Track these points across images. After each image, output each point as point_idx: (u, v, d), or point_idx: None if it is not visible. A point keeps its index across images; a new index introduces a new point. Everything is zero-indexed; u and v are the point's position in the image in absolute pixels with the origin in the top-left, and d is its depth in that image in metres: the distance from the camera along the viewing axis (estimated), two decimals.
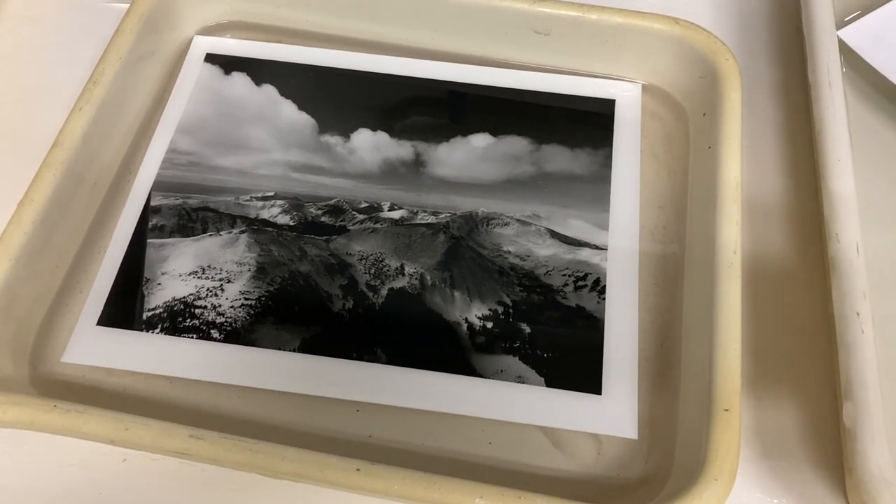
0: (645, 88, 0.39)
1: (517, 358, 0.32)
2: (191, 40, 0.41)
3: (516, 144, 0.37)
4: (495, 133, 0.38)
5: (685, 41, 0.37)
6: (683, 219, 0.35)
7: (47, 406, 0.28)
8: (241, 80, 0.39)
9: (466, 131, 0.38)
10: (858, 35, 0.37)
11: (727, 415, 0.28)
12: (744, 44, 0.42)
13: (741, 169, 0.33)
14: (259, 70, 0.40)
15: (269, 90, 0.39)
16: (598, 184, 0.36)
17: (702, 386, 0.29)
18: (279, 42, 0.41)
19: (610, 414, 0.31)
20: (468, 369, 0.31)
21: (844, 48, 0.37)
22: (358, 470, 0.27)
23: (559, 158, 0.37)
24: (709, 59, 0.36)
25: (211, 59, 0.40)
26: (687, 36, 0.37)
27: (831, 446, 0.31)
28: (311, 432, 0.31)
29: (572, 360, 0.32)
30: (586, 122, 0.38)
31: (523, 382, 0.31)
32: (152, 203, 0.35)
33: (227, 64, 0.40)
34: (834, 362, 0.30)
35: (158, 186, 0.36)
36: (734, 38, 0.42)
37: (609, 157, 0.37)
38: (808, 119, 0.37)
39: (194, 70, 0.39)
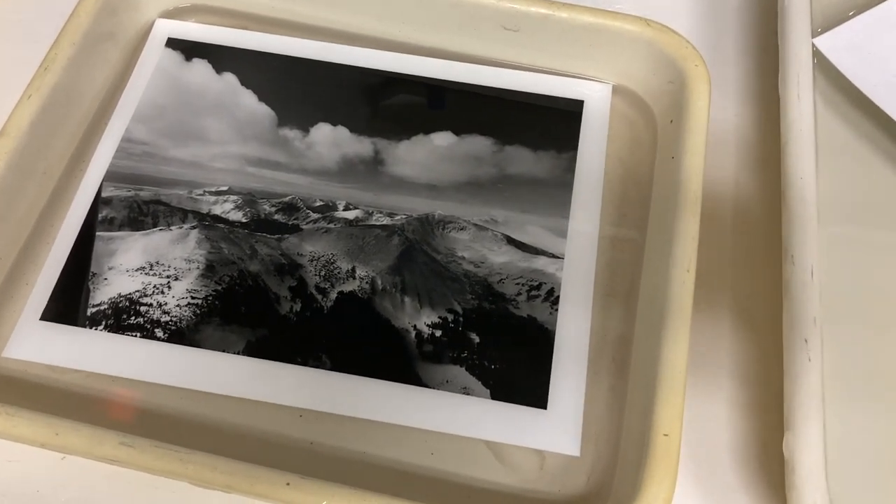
0: (615, 89, 0.38)
1: (464, 368, 0.31)
2: (152, 24, 0.40)
3: (479, 145, 0.37)
4: (458, 132, 0.37)
5: (655, 44, 0.36)
6: (644, 229, 0.35)
7: None
8: (201, 68, 0.38)
9: (429, 129, 0.37)
10: (835, 44, 0.36)
11: (666, 440, 0.27)
12: (719, 48, 0.41)
13: (701, 183, 0.32)
14: (221, 57, 0.39)
15: (230, 79, 0.38)
16: (559, 189, 0.35)
17: (645, 406, 0.29)
18: (244, 28, 0.40)
19: (554, 429, 0.30)
20: (413, 378, 0.31)
21: (820, 58, 0.36)
22: (288, 484, 0.27)
23: (522, 161, 0.36)
24: (678, 65, 0.35)
25: (172, 44, 0.39)
26: (657, 39, 0.36)
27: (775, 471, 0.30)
28: (252, 436, 0.31)
29: (520, 373, 0.31)
30: (553, 124, 0.37)
31: (468, 394, 0.31)
32: (103, 194, 0.35)
33: (189, 50, 0.39)
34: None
35: (111, 177, 0.35)
36: (710, 41, 0.41)
37: (573, 160, 0.36)
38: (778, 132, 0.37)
39: (154, 56, 0.39)
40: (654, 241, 0.33)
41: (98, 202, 0.35)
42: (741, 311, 0.34)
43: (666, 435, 0.27)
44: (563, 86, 0.38)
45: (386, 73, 0.38)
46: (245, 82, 0.38)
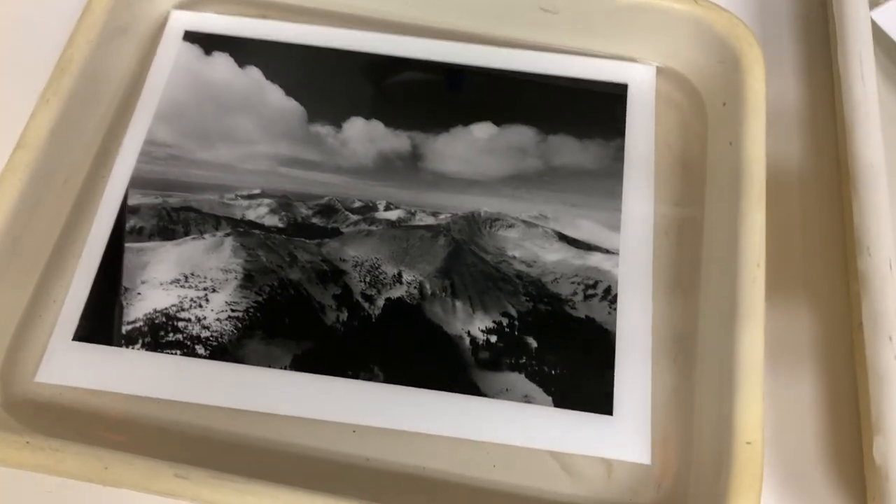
0: (659, 71, 0.36)
1: (523, 375, 0.30)
2: (167, 15, 0.37)
3: (521, 135, 0.35)
4: (499, 122, 0.35)
5: (704, 22, 0.34)
6: (700, 218, 0.33)
7: (19, 442, 0.26)
8: (223, 62, 0.36)
9: (468, 120, 0.35)
10: (894, 17, 0.34)
11: (750, 448, 0.26)
12: (763, 22, 0.39)
13: (765, 172, 0.30)
14: (243, 50, 0.36)
15: (254, 73, 0.36)
16: (609, 179, 0.34)
17: (721, 411, 0.27)
18: (264, 17, 0.38)
19: (622, 437, 0.29)
20: (471, 388, 0.30)
21: (877, 32, 0.34)
22: None
23: (567, 151, 0.34)
24: (730, 44, 0.33)
25: (190, 37, 0.37)
26: (706, 17, 0.34)
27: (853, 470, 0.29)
28: (304, 455, 0.29)
29: (582, 378, 0.30)
30: (596, 110, 0.35)
31: (530, 402, 0.29)
32: (130, 202, 0.33)
33: (208, 43, 0.37)
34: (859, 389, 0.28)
35: (136, 183, 0.33)
36: (753, 14, 0.39)
37: (621, 148, 0.34)
38: (833, 111, 0.35)
39: (172, 50, 0.36)
40: (714, 232, 0.32)
41: (125, 211, 0.33)
42: (812, 303, 0.32)
43: (749, 443, 0.26)
44: (605, 69, 0.36)
45: (419, 62, 0.36)
46: (270, 76, 0.36)
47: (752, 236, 0.29)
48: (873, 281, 0.28)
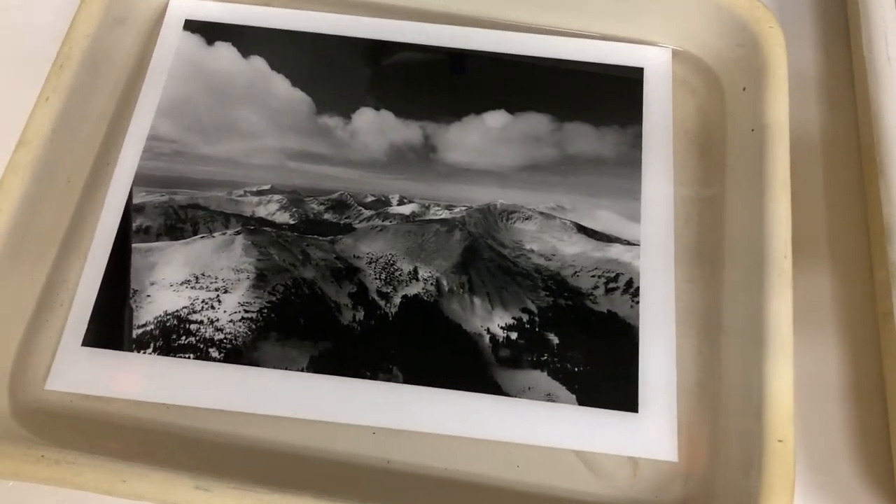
0: (675, 54, 0.35)
1: (545, 373, 0.29)
2: (167, 4, 0.36)
3: (536, 123, 0.34)
4: (512, 110, 0.34)
5: (723, 4, 0.33)
6: (722, 205, 0.32)
7: (33, 456, 0.25)
8: (226, 52, 0.35)
9: (480, 108, 0.34)
10: None
11: (781, 447, 0.25)
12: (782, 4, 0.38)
13: (789, 161, 0.30)
14: (245, 39, 0.35)
15: (259, 63, 0.35)
16: (627, 168, 0.33)
17: (748, 407, 0.27)
18: (267, 4, 0.36)
19: (648, 434, 0.28)
20: (492, 387, 0.29)
21: None
22: None
23: (584, 139, 0.34)
24: (750, 27, 0.33)
25: (191, 26, 0.35)
26: None
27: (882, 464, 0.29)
28: (323, 458, 0.28)
29: (605, 375, 0.29)
30: (612, 95, 0.34)
31: (553, 401, 0.29)
32: (135, 200, 0.32)
33: (210, 32, 0.35)
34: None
35: (140, 180, 0.32)
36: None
37: (638, 135, 0.33)
38: (853, 95, 0.34)
39: (172, 40, 0.35)
40: (737, 221, 0.31)
41: (130, 210, 0.32)
42: (837, 295, 0.32)
43: (781, 441, 0.26)
44: (620, 52, 0.35)
45: (428, 48, 0.35)
46: (275, 66, 0.35)
47: (779, 227, 0.29)
48: None
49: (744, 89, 0.33)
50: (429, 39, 0.35)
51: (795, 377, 0.29)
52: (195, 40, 0.35)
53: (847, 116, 0.35)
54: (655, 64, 0.35)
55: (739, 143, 0.32)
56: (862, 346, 0.31)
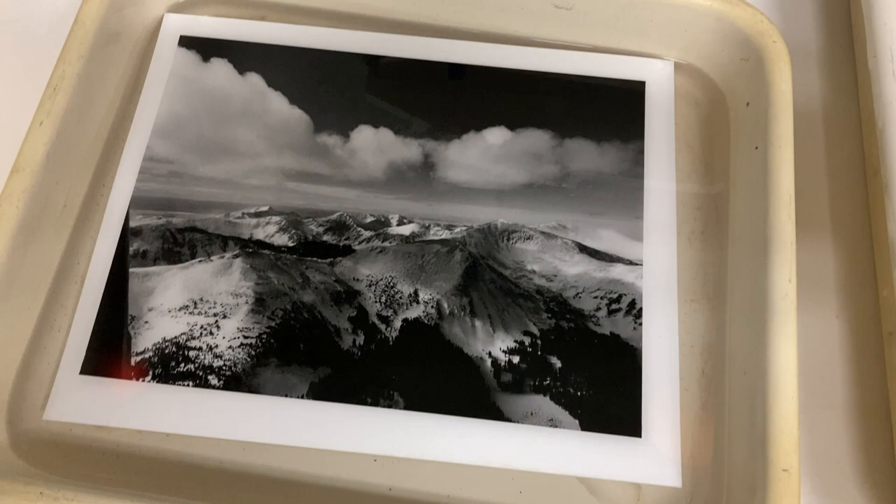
0: (678, 67, 0.35)
1: (548, 398, 0.29)
2: (161, 19, 0.35)
3: (536, 139, 0.33)
4: (512, 126, 0.34)
5: (726, 18, 0.33)
6: (725, 222, 0.32)
7: (32, 493, 0.25)
8: (221, 69, 0.34)
9: (480, 125, 0.34)
10: None
11: (786, 476, 0.25)
12: (784, 14, 0.37)
13: (793, 179, 0.29)
14: (242, 55, 0.35)
15: (255, 80, 0.34)
16: (629, 185, 0.32)
17: (753, 434, 0.27)
18: (263, 19, 0.36)
19: (651, 460, 0.28)
20: (494, 412, 0.29)
21: None
22: None
23: (585, 155, 0.33)
24: (753, 41, 0.32)
25: (186, 42, 0.35)
26: (728, 12, 0.33)
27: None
28: (325, 486, 0.28)
29: (609, 399, 0.29)
30: (614, 110, 0.34)
31: (556, 426, 0.28)
32: (131, 224, 0.31)
33: (206, 48, 0.35)
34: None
35: (137, 203, 0.32)
36: (775, 6, 0.37)
37: (640, 151, 0.33)
38: (858, 110, 0.34)
39: (167, 57, 0.35)
40: (741, 240, 0.31)
41: (127, 233, 0.31)
42: (842, 315, 0.31)
43: (785, 470, 0.25)
44: (621, 65, 0.35)
45: (427, 62, 0.35)
46: (272, 83, 0.34)
47: (784, 249, 0.28)
48: None
49: (747, 104, 0.32)
50: (429, 54, 0.35)
51: (800, 396, 0.28)
52: (191, 57, 0.35)
53: (851, 131, 0.34)
54: (658, 77, 0.35)
55: (743, 159, 0.32)
56: (867, 367, 0.31)
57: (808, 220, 0.33)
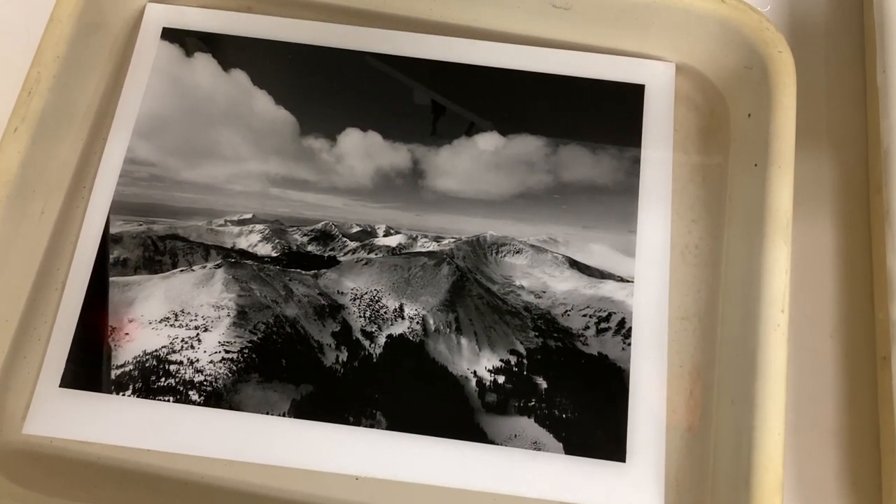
0: (678, 69, 0.34)
1: (532, 419, 0.28)
2: (143, 10, 0.34)
3: (529, 146, 0.32)
4: (505, 132, 0.32)
5: (730, 23, 0.31)
6: (720, 238, 0.31)
7: None
8: (205, 64, 0.33)
9: (472, 130, 0.33)
10: None
11: None
12: (792, 23, 0.36)
13: (792, 202, 0.28)
14: (227, 50, 0.33)
15: (240, 77, 0.33)
16: (624, 197, 0.31)
17: (738, 468, 0.26)
18: (250, 11, 0.34)
19: (635, 485, 0.28)
20: (478, 434, 0.28)
21: None
22: None
23: (579, 164, 0.32)
24: (758, 50, 0.31)
25: (169, 35, 0.34)
26: (734, 17, 0.31)
27: None
28: (307, 502, 0.28)
29: (594, 422, 0.28)
30: (611, 115, 0.33)
31: (539, 450, 0.28)
32: (112, 230, 0.31)
33: (189, 42, 0.34)
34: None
35: (118, 208, 0.31)
36: (783, 14, 0.36)
37: (636, 161, 0.32)
38: (865, 127, 0.33)
39: (149, 51, 0.33)
40: (734, 260, 0.30)
41: (107, 240, 0.31)
42: (835, 336, 0.31)
43: None
44: (620, 67, 0.34)
45: (419, 60, 0.33)
46: (258, 81, 0.33)
47: (777, 276, 0.27)
48: None
49: (749, 115, 0.31)
50: (420, 51, 0.34)
51: (789, 418, 0.28)
52: (173, 51, 0.33)
53: (857, 148, 0.33)
54: (657, 81, 0.33)
55: (741, 176, 0.31)
56: (859, 389, 0.30)
57: (808, 234, 0.32)
